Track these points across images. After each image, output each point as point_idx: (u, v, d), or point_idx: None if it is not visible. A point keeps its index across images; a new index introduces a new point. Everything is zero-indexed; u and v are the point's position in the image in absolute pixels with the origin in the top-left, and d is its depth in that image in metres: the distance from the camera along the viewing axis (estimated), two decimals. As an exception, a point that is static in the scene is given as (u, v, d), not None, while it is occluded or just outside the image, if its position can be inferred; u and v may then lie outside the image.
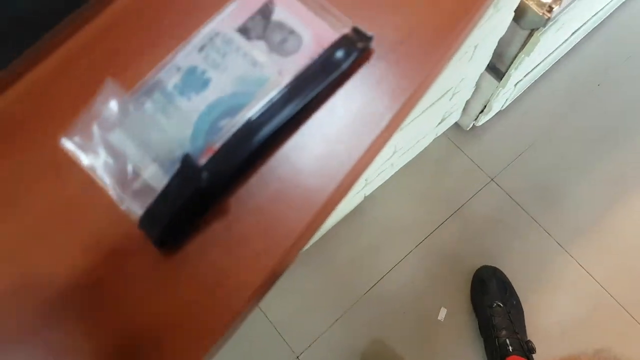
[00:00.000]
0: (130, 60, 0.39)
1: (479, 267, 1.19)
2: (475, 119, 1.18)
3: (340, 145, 0.37)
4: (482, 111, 1.12)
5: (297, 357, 1.18)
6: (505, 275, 1.18)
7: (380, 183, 1.22)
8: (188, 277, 0.33)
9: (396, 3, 0.43)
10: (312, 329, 1.20)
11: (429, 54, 0.40)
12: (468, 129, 1.25)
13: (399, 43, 0.41)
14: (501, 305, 1.12)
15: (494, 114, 1.21)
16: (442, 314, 1.18)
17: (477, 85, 1.03)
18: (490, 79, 0.97)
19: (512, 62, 0.89)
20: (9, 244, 0.33)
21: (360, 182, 1.03)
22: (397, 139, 0.93)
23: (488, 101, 1.06)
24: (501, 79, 0.95)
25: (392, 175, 1.25)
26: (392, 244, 1.25)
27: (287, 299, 1.23)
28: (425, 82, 0.40)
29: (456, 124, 1.28)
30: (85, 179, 0.35)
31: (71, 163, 0.35)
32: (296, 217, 0.34)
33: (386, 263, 1.23)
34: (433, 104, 0.89)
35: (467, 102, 1.12)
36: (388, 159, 1.01)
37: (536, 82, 1.30)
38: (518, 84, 1.09)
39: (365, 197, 1.22)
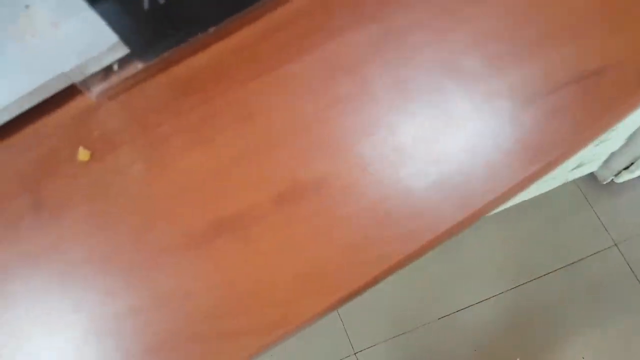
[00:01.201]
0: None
1: None
2: (616, 175, 1.07)
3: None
4: (627, 168, 1.01)
5: (355, 354, 1.17)
6: None
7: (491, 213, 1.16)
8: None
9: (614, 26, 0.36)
10: (377, 332, 1.18)
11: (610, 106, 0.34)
12: (604, 183, 1.14)
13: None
14: None
15: (639, 175, 1.09)
16: (516, 365, 1.10)
17: (630, 139, 0.93)
18: (647, 134, 0.87)
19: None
20: (203, 175, 0.36)
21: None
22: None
23: (638, 159, 0.95)
24: (660, 138, 0.85)
25: (505, 208, 1.18)
26: (484, 278, 1.18)
27: (362, 299, 1.22)
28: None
29: (591, 175, 1.18)
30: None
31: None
32: (448, 213, 0.33)
33: (472, 295, 1.17)
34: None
35: (612, 155, 1.02)
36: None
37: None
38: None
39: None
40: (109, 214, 0.35)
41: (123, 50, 0.37)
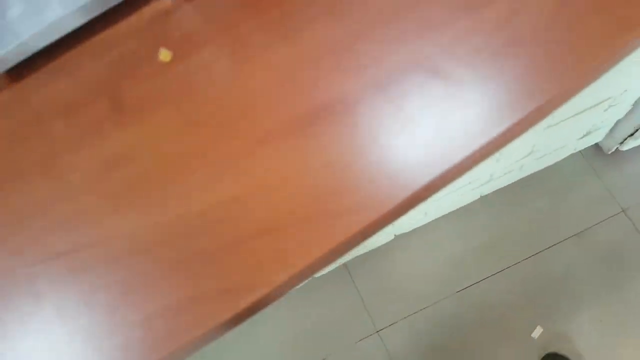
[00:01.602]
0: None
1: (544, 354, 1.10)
2: (621, 143, 1.11)
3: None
4: (632, 134, 1.05)
5: (377, 332, 1.20)
6: None
7: (502, 185, 1.19)
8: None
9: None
10: (397, 309, 1.21)
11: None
12: (609, 152, 1.18)
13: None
14: None
15: (644, 141, 1.13)
16: (537, 332, 1.13)
17: (636, 104, 0.97)
18: (653, 98, 0.91)
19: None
20: (291, 67, 0.36)
21: (485, 176, 1.01)
22: (538, 139, 0.91)
23: (643, 124, 0.99)
24: (666, 101, 0.89)
25: (515, 181, 1.21)
26: (498, 250, 1.22)
27: (379, 275, 1.25)
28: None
29: (597, 146, 1.22)
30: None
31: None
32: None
33: (487, 267, 1.21)
34: (587, 109, 0.86)
35: (617, 123, 1.06)
36: (522, 158, 0.99)
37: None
38: (681, 114, 1.01)
39: (481, 195, 1.20)
40: (197, 110, 0.35)
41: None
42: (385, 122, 0.34)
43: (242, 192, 0.34)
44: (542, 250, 1.19)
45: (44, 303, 0.31)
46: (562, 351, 1.09)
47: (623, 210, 1.19)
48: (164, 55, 0.37)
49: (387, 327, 1.20)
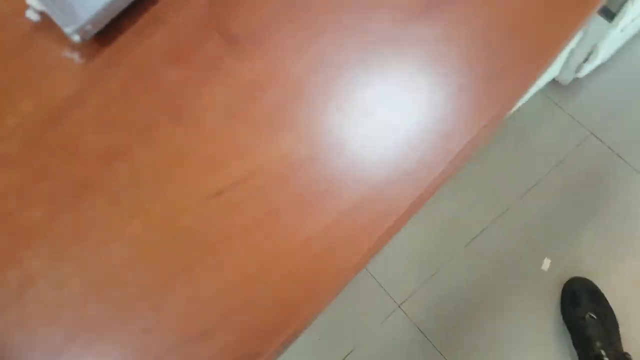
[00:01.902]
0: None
1: (567, 280, 1.16)
2: (578, 71, 1.19)
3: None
4: (586, 59, 1.12)
5: (399, 306, 1.22)
6: (596, 285, 1.14)
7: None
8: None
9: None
10: (411, 279, 1.23)
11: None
12: (567, 83, 1.26)
13: None
14: (594, 316, 1.09)
15: (598, 63, 1.21)
16: (546, 264, 1.18)
17: (584, 32, 1.04)
18: (599, 19, 0.98)
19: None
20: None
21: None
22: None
23: (595, 46, 1.06)
24: (612, 19, 0.96)
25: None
26: (486, 201, 1.26)
27: (386, 255, 1.27)
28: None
29: (554, 81, 1.29)
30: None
31: None
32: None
33: (483, 219, 1.25)
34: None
35: (570, 52, 1.13)
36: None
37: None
38: (625, 30, 1.09)
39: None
40: (312, 20, 0.35)
41: None
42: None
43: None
44: (529, 189, 1.25)
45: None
46: (575, 273, 1.15)
47: (591, 133, 1.26)
48: None
49: (407, 299, 1.22)
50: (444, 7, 0.35)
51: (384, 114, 0.34)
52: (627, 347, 1.09)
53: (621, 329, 1.11)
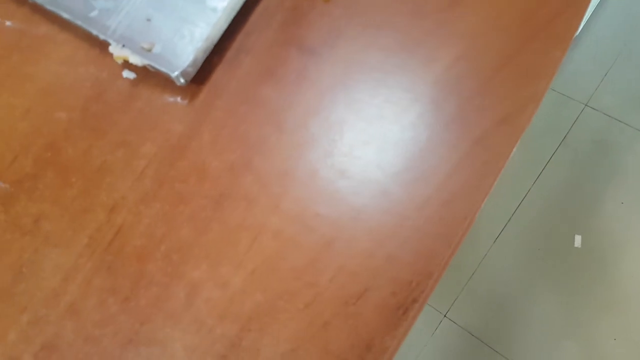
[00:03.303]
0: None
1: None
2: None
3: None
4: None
5: (445, 316, 1.23)
6: None
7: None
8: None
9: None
10: (450, 286, 1.24)
11: None
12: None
13: None
14: None
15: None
16: (578, 241, 1.22)
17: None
18: None
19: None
20: None
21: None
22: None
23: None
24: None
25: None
26: (505, 192, 1.30)
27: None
28: None
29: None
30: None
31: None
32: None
33: (506, 210, 1.28)
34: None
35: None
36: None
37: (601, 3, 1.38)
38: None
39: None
40: (391, 18, 0.38)
41: None
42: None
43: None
44: (542, 171, 1.30)
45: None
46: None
47: (585, 105, 1.33)
48: None
49: (451, 306, 1.23)
50: None
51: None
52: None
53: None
